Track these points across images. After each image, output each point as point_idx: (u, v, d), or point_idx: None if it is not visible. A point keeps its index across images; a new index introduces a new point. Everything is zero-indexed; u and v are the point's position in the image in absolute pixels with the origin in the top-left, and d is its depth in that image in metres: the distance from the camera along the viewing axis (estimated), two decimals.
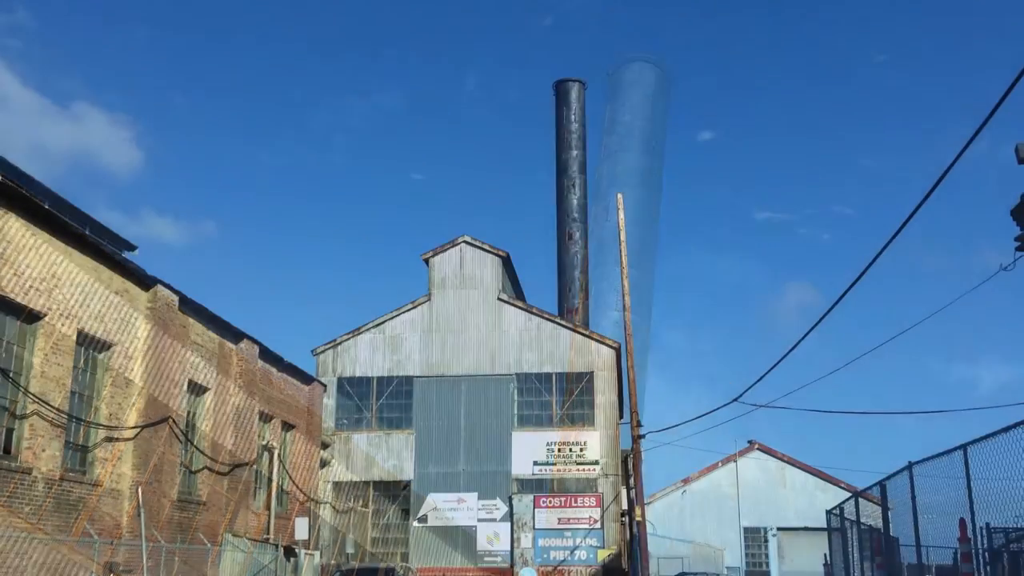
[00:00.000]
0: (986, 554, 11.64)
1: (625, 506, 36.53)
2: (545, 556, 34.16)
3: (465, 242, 37.74)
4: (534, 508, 34.61)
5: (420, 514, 35.30)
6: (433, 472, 35.69)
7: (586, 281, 49.97)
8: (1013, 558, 12.06)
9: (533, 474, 35.30)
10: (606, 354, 36.24)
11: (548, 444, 35.44)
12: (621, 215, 29.60)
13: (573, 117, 52.43)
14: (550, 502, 34.65)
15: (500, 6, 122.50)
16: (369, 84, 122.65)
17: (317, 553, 29.27)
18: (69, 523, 16.94)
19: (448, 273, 37.56)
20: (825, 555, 27.44)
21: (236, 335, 25.03)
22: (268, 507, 27.10)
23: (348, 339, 37.41)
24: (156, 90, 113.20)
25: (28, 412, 15.96)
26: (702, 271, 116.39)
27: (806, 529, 46.05)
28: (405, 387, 36.72)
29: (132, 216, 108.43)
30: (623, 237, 29.48)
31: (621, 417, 36.79)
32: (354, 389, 37.01)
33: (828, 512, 25.40)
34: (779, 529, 48.91)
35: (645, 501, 29.99)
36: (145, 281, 20.12)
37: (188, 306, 21.97)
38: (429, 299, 37.40)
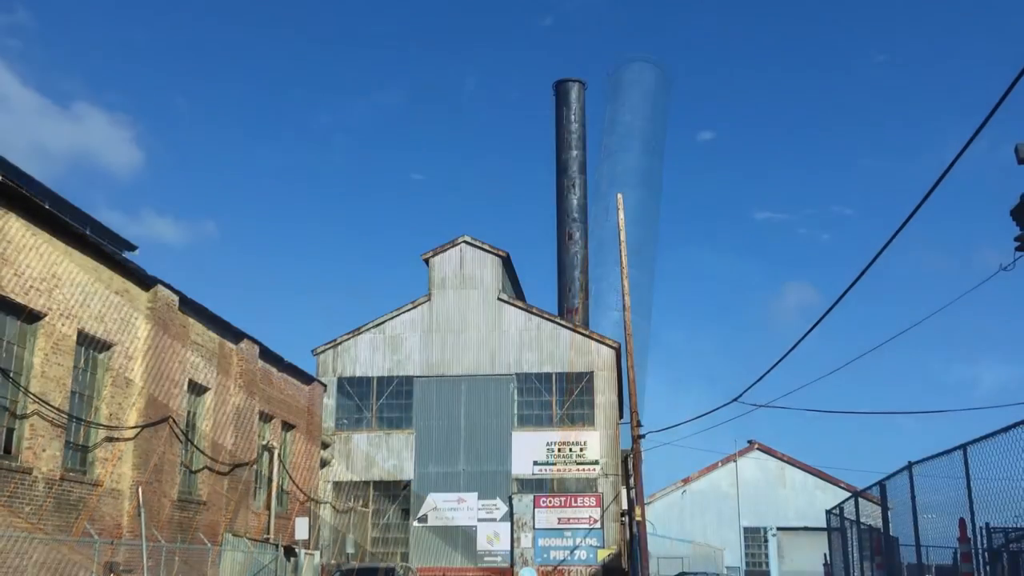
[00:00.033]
0: (986, 554, 11.64)
1: (625, 506, 36.53)
2: (545, 556, 34.17)
3: (465, 242, 37.76)
4: (534, 508, 34.62)
5: (420, 514, 35.31)
6: (433, 472, 35.70)
7: (586, 281, 49.99)
8: (1013, 558, 12.07)
9: (533, 474, 35.31)
10: (606, 354, 36.25)
11: (548, 444, 35.46)
12: (621, 215, 29.62)
13: (573, 117, 52.46)
14: (550, 502, 34.66)
15: (500, 6, 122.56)
16: (369, 84, 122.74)
17: (317, 553, 29.28)
18: (69, 523, 16.94)
19: (448, 273, 37.57)
20: (825, 555, 27.46)
21: (236, 335, 25.04)
22: (268, 507, 27.11)
23: (348, 339, 37.43)
24: (156, 90, 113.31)
25: (28, 412, 15.97)
26: (702, 271, 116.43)
27: (806, 529, 46.05)
28: (405, 387, 36.74)
29: (132, 216, 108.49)
30: (623, 237, 29.50)
31: (621, 417, 36.80)
32: (354, 389, 37.02)
33: (828, 512, 25.40)
34: (779, 529, 48.91)
35: (645, 501, 30.00)
36: (145, 281, 20.13)
37: (188, 306, 21.98)
38: (429, 299, 37.42)
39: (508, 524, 34.72)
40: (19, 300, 15.77)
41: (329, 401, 35.78)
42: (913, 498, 13.72)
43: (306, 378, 31.15)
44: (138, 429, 19.45)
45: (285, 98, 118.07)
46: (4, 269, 15.34)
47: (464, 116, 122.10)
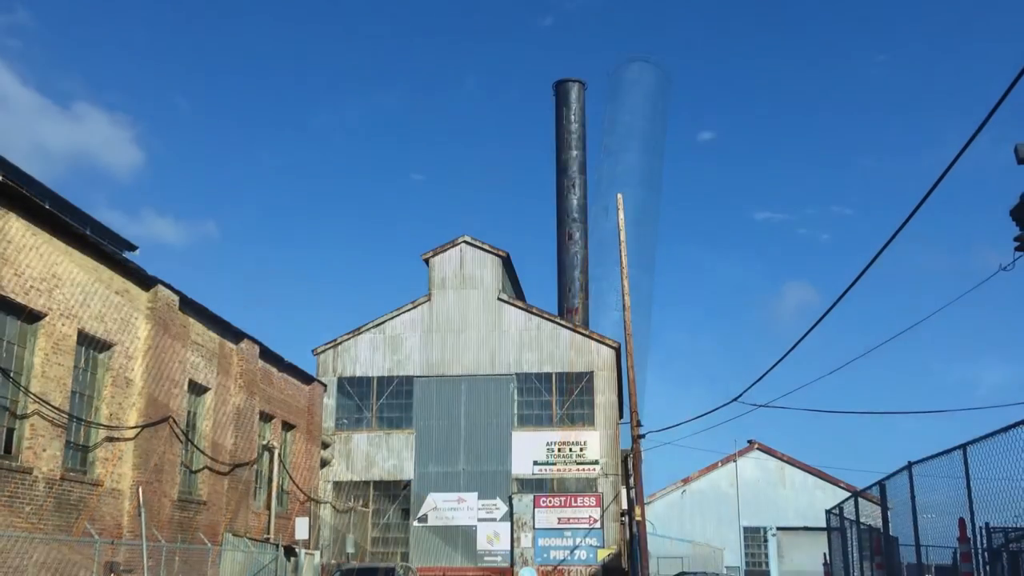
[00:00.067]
0: (985, 554, 11.64)
1: (625, 506, 36.53)
2: (545, 556, 34.18)
3: (465, 242, 37.76)
4: (534, 508, 34.63)
5: (420, 514, 35.32)
6: (433, 472, 35.71)
7: (586, 281, 50.01)
8: (1012, 558, 12.07)
9: (533, 474, 35.32)
10: (606, 354, 36.26)
11: (548, 444, 35.46)
12: (621, 215, 29.63)
13: (573, 117, 52.47)
14: (550, 502, 34.67)
15: (500, 6, 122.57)
16: (369, 83, 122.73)
17: (317, 553, 29.28)
18: (70, 523, 16.95)
19: (448, 273, 37.58)
20: (824, 555, 27.45)
21: (236, 335, 25.05)
22: (268, 507, 27.12)
23: (348, 339, 37.43)
24: (156, 90, 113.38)
25: (29, 412, 15.97)
26: (702, 271, 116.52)
27: (806, 529, 46.04)
28: (405, 387, 36.75)
29: (132, 216, 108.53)
30: (623, 237, 29.50)
31: (621, 417, 36.81)
32: (354, 389, 37.03)
33: (828, 512, 25.39)
34: (779, 529, 48.89)
35: (645, 501, 30.01)
36: (145, 281, 20.14)
37: (188, 306, 21.99)
38: (429, 299, 37.42)
39: (508, 524, 34.73)
40: (19, 300, 15.78)
41: (329, 401, 35.79)
42: (913, 498, 13.72)
43: (306, 378, 31.16)
44: (138, 429, 19.46)
45: (285, 98, 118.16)
46: (4, 269, 15.35)
47: (464, 116, 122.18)
